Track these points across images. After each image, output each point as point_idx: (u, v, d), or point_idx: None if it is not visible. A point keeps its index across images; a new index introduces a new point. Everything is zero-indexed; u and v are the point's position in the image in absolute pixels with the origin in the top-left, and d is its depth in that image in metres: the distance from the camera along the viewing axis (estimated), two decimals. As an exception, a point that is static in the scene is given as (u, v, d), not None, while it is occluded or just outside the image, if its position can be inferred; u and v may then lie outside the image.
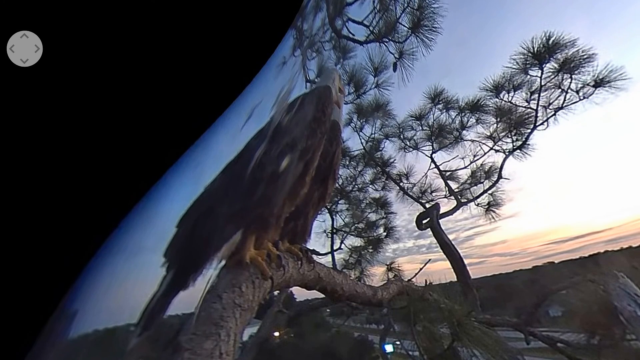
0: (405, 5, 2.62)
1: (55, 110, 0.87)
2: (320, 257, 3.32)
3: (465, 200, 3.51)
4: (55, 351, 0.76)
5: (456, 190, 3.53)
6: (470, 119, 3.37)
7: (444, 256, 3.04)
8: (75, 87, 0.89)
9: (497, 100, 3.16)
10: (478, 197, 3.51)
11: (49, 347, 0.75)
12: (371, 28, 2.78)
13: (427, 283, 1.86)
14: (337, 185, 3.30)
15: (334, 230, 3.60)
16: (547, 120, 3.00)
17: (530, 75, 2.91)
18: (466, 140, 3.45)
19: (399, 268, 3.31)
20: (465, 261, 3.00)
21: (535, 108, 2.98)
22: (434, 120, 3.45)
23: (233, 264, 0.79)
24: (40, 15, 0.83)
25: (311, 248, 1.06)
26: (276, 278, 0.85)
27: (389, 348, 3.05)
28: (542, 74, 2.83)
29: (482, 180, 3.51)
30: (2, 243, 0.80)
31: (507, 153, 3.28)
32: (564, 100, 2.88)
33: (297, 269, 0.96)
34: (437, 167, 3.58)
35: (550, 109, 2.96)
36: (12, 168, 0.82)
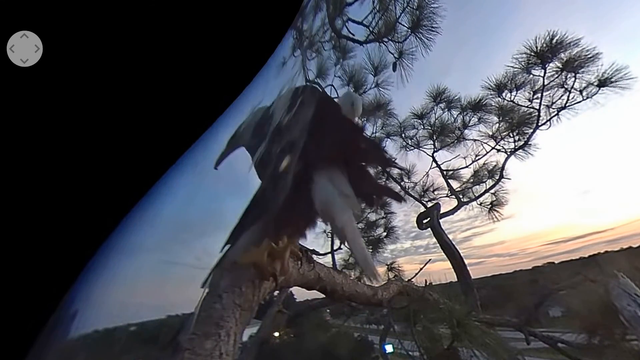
0: (405, 5, 2.61)
1: (55, 110, 0.87)
2: (320, 257, 3.32)
3: (467, 199, 3.51)
4: (55, 351, 0.76)
5: (457, 189, 3.53)
6: (473, 118, 3.37)
7: (444, 256, 3.04)
8: (76, 87, 0.89)
9: (500, 99, 3.15)
10: (480, 196, 3.50)
11: (49, 347, 0.75)
12: (371, 28, 2.77)
13: (427, 283, 1.86)
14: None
15: (334, 230, 3.59)
16: (549, 120, 2.99)
17: (533, 75, 2.89)
18: (468, 140, 3.45)
19: (399, 268, 3.31)
20: (465, 261, 3.00)
21: (537, 107, 2.97)
22: (435, 118, 3.45)
23: (233, 264, 0.79)
24: (40, 15, 0.83)
25: (311, 248, 1.06)
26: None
27: (389, 348, 3.06)
28: (545, 73, 2.82)
29: (484, 180, 3.51)
30: (2, 243, 0.81)
31: (509, 153, 3.27)
32: (567, 99, 2.86)
33: (297, 269, 0.96)
34: (438, 166, 3.58)
35: (553, 109, 2.95)
36: (12, 168, 0.82)
